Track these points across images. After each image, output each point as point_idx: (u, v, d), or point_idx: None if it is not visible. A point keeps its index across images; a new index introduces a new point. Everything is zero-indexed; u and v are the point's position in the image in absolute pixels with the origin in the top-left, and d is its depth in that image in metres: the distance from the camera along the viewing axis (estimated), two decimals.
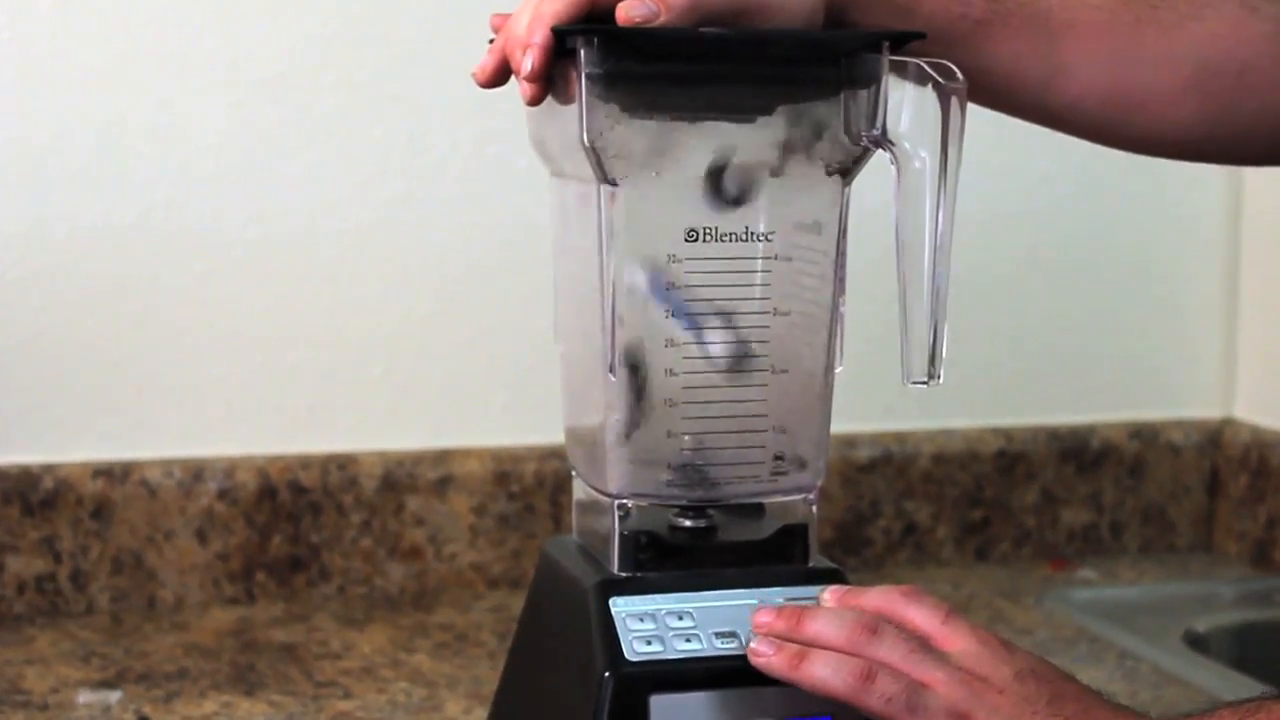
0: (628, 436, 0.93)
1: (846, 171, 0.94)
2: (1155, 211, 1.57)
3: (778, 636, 0.88)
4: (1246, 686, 1.22)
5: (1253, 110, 0.97)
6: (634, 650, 0.88)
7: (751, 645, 0.87)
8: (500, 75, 0.91)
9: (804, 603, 0.91)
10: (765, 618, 0.89)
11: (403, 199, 1.39)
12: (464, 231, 1.41)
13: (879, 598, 0.90)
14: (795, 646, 0.86)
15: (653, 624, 0.89)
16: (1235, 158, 1.08)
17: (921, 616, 0.89)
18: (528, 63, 0.87)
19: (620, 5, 0.86)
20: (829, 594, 0.91)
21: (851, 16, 0.93)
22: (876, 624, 0.87)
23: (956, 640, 0.88)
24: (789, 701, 0.87)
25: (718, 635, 0.90)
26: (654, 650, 0.88)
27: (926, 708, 0.84)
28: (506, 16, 0.90)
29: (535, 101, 0.89)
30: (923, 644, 0.87)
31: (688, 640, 0.89)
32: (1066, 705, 0.86)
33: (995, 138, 1.36)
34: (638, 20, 0.85)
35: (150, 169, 1.34)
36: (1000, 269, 1.53)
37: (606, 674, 0.87)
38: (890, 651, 0.86)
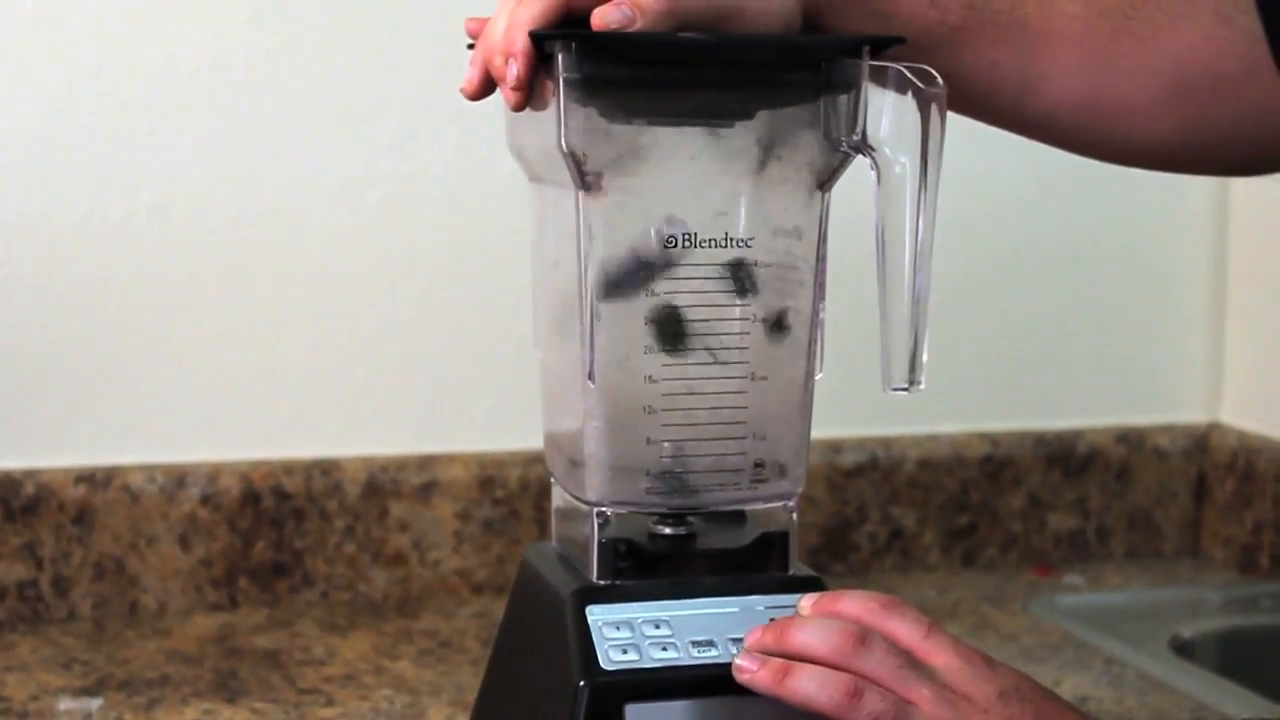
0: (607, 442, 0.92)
1: (826, 177, 0.93)
2: (1142, 216, 1.56)
3: (765, 650, 0.87)
4: (1232, 693, 1.21)
5: (1226, 122, 0.96)
6: (609, 659, 0.88)
7: (736, 662, 0.86)
8: (487, 86, 0.90)
9: (784, 612, 0.91)
10: (754, 636, 0.88)
11: (386, 204, 1.39)
12: (448, 236, 1.41)
13: (858, 605, 0.89)
14: (779, 661, 0.86)
15: (629, 632, 0.89)
16: (1209, 168, 1.08)
17: (904, 630, 0.88)
18: (512, 70, 0.87)
19: (596, 11, 0.85)
20: (806, 601, 0.90)
21: (828, 21, 0.93)
22: (865, 635, 0.86)
23: (939, 656, 0.87)
24: (765, 711, 0.87)
25: (695, 644, 0.89)
26: (630, 659, 0.88)
27: None
28: (482, 22, 0.90)
29: (519, 108, 0.89)
30: (910, 659, 0.86)
31: (664, 649, 0.89)
32: None
33: (980, 140, 1.36)
34: (613, 26, 0.85)
35: (134, 173, 1.34)
36: (986, 273, 1.52)
37: (581, 683, 0.87)
38: (879, 666, 0.85)
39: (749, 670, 0.86)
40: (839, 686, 0.84)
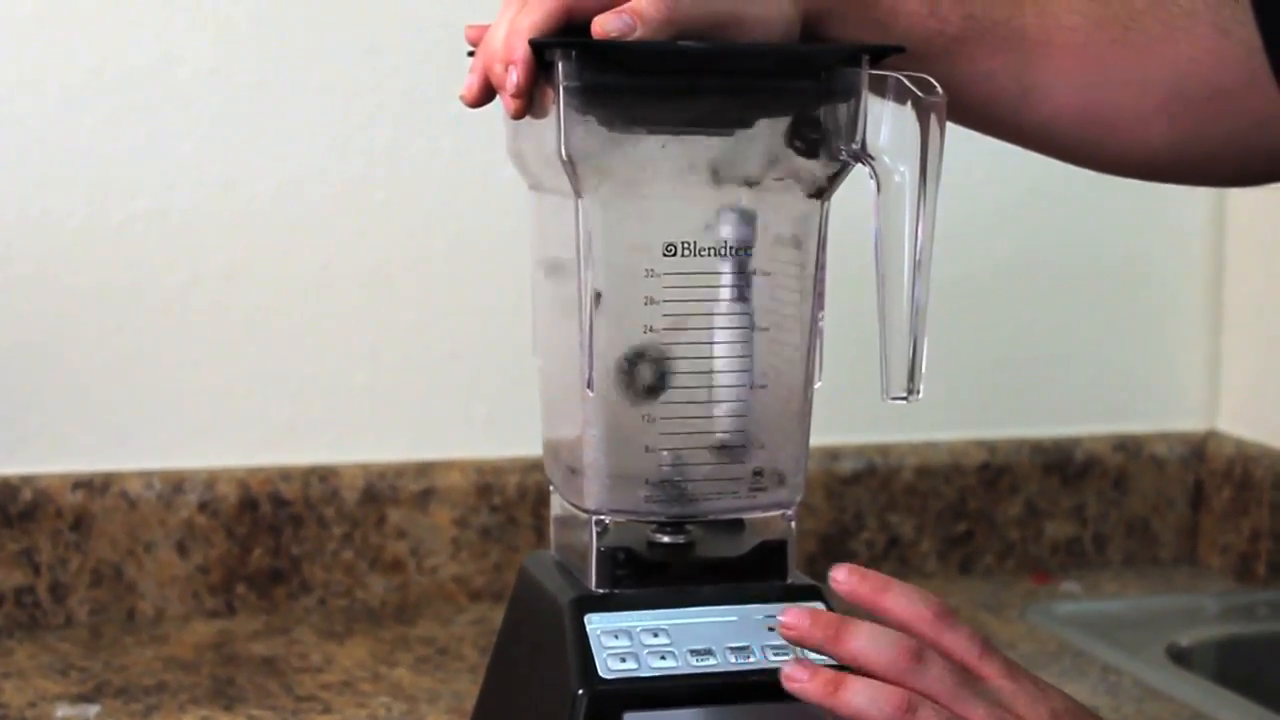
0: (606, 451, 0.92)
1: (825, 185, 0.93)
2: (1140, 223, 1.56)
3: (813, 646, 0.85)
4: (1230, 701, 1.21)
5: (1222, 133, 0.96)
6: (608, 668, 0.88)
7: (785, 670, 0.84)
8: (487, 94, 0.90)
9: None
10: (795, 620, 0.85)
11: (385, 209, 1.39)
12: (447, 242, 1.40)
13: (908, 610, 0.86)
14: (830, 672, 0.83)
15: (628, 641, 0.89)
16: (1204, 179, 1.07)
17: (958, 645, 0.86)
18: (512, 77, 0.87)
19: (595, 19, 0.85)
20: (842, 574, 0.87)
21: (828, 30, 0.93)
22: (921, 650, 0.84)
23: (992, 675, 0.85)
24: None
25: (693, 653, 0.89)
26: (628, 668, 0.88)
27: None
28: (482, 29, 0.90)
29: (519, 115, 0.89)
30: (966, 677, 0.84)
31: (663, 658, 0.89)
32: None
33: (979, 147, 1.37)
34: (613, 34, 0.85)
35: (131, 177, 1.34)
36: (984, 280, 1.52)
37: (580, 692, 0.87)
38: (936, 683, 0.83)
39: (799, 680, 0.84)
40: (892, 700, 0.82)
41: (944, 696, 0.83)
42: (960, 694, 0.83)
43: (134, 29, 1.33)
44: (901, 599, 0.87)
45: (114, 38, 1.33)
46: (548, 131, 0.89)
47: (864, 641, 0.84)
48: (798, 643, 0.86)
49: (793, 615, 0.85)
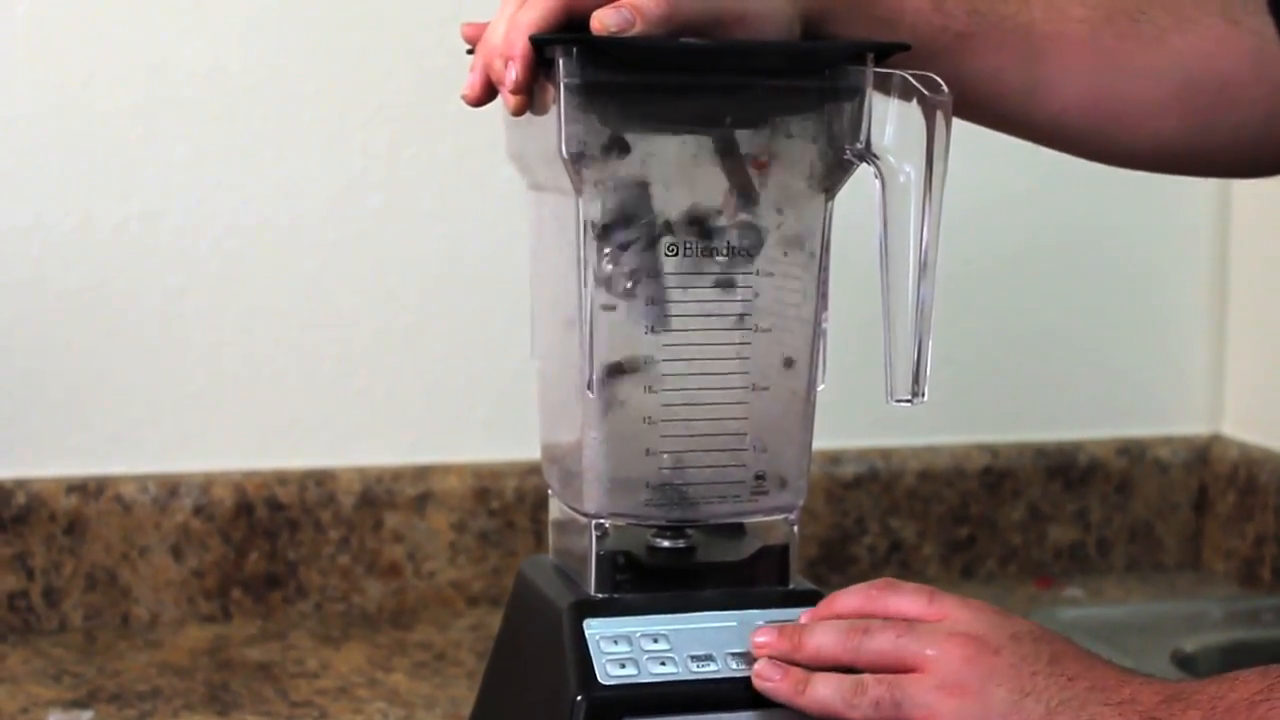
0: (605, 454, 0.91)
1: (830, 185, 0.92)
2: (1144, 226, 1.55)
3: (780, 657, 0.88)
4: None
5: (1233, 124, 0.96)
6: (607, 674, 0.87)
7: (756, 668, 0.88)
8: (489, 92, 0.89)
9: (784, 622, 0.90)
10: (765, 637, 0.89)
11: (382, 211, 1.38)
12: (444, 244, 1.39)
13: (856, 598, 0.91)
14: (799, 672, 0.87)
15: (627, 646, 0.88)
16: (1215, 170, 1.07)
17: (907, 603, 0.90)
18: (511, 74, 0.86)
19: (594, 14, 0.85)
20: (805, 615, 0.91)
21: (830, 29, 0.92)
22: (867, 624, 0.88)
23: (947, 613, 0.88)
24: None
25: (693, 659, 0.88)
26: (628, 674, 0.87)
27: (911, 699, 0.85)
28: (480, 27, 0.89)
29: (519, 112, 0.88)
30: (910, 625, 0.88)
31: (663, 663, 0.88)
32: (1069, 664, 0.85)
33: (981, 150, 1.36)
34: (612, 29, 0.84)
35: (126, 180, 1.33)
36: (987, 283, 1.51)
37: (579, 697, 0.86)
38: (883, 643, 0.87)
39: (770, 679, 0.87)
40: (848, 687, 0.86)
41: (892, 653, 0.86)
42: (904, 644, 0.87)
43: (128, 32, 1.32)
44: (846, 598, 0.91)
45: (108, 41, 1.32)
46: (549, 130, 0.88)
47: (818, 636, 0.88)
48: (774, 658, 0.89)
49: (763, 634, 0.89)
